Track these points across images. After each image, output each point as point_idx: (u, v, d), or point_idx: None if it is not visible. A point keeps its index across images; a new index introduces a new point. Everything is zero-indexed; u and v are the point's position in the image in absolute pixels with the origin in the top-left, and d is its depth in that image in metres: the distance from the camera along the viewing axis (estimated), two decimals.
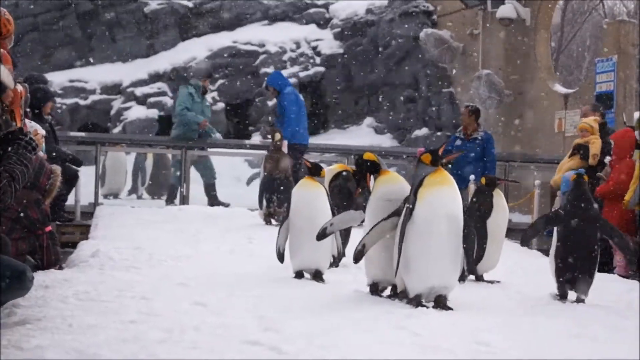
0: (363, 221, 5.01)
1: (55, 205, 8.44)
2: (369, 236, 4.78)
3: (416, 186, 4.59)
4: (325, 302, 4.72)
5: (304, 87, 17.81)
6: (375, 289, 4.98)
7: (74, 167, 9.38)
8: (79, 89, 18.19)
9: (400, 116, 17.64)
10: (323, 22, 19.23)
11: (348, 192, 6.69)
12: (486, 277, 6.27)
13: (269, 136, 10.00)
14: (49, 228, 6.12)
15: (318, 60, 18.57)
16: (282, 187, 8.85)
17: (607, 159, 8.57)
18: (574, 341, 3.90)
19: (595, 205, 5.33)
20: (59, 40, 18.68)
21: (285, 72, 15.66)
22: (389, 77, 17.82)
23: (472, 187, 9.10)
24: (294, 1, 19.39)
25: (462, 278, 4.89)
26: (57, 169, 6.31)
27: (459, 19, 16.67)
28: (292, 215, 5.73)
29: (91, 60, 18.75)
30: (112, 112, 18.14)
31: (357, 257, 4.83)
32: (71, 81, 18.18)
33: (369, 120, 18.22)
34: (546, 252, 6.12)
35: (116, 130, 17.61)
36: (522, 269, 6.94)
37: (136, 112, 17.91)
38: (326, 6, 19.42)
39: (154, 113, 17.88)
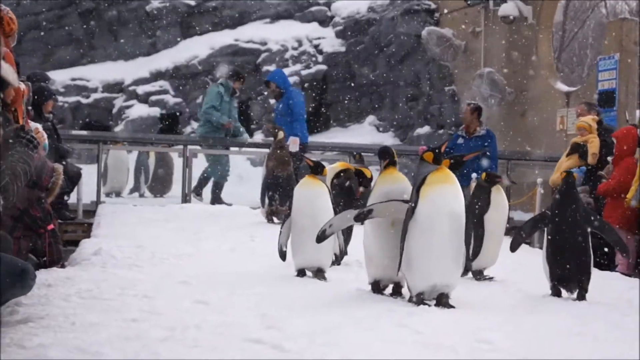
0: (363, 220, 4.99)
1: (58, 203, 8.44)
2: (380, 205, 4.75)
3: (418, 184, 4.58)
4: (327, 300, 4.72)
5: (305, 85, 17.81)
6: (377, 287, 4.98)
7: (67, 160, 9.28)
8: (81, 88, 18.21)
9: (402, 114, 17.64)
10: (325, 20, 19.23)
11: (350, 191, 6.70)
12: (486, 273, 6.28)
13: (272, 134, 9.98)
14: (51, 226, 6.11)
15: (320, 58, 18.57)
16: (284, 186, 8.86)
17: (609, 158, 8.57)
18: (576, 339, 3.90)
19: (584, 202, 5.32)
20: (61, 39, 18.70)
21: (287, 70, 15.66)
22: (390, 75, 17.82)
23: (474, 186, 9.09)
24: None
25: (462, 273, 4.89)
26: (59, 167, 6.31)
27: (461, 17, 16.66)
28: (294, 213, 5.73)
29: (93, 58, 18.76)
30: (114, 110, 18.16)
31: (359, 217, 4.78)
32: (73, 79, 18.21)
33: (370, 118, 18.22)
34: None
35: (118, 128, 17.63)
36: (524, 267, 6.93)
37: (138, 110, 17.93)
38: (328, 4, 19.43)
39: (155, 111, 17.91)
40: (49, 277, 5.21)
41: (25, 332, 3.65)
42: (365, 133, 17.50)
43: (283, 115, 10.57)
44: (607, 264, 7.64)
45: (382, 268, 4.90)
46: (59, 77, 17.41)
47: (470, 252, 6.05)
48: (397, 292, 4.92)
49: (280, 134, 9.30)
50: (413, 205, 4.54)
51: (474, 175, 9.59)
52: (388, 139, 17.17)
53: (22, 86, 5.61)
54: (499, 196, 6.35)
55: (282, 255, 5.84)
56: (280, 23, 19.27)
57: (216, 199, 11.34)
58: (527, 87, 15.12)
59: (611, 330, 4.15)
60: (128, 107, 18.05)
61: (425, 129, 17.06)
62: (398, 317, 4.12)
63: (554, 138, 13.98)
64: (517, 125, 15.07)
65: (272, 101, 15.51)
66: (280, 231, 5.86)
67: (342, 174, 6.78)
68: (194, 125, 17.97)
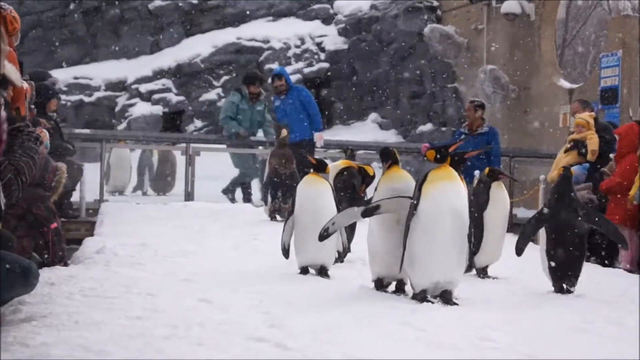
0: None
1: (62, 202, 8.44)
2: (388, 201, 4.75)
3: (420, 181, 4.58)
4: (330, 298, 4.72)
5: (308, 83, 17.81)
6: (380, 284, 4.98)
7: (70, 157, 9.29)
8: (84, 86, 18.25)
9: (405, 112, 17.64)
10: (327, 18, 19.24)
11: (352, 188, 6.69)
12: (490, 273, 6.27)
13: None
14: (54, 225, 6.12)
15: (322, 56, 18.58)
16: (287, 183, 8.86)
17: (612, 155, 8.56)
18: (579, 336, 3.89)
19: (586, 199, 5.34)
20: (63, 38, 18.73)
21: (289, 68, 15.68)
22: (393, 72, 17.82)
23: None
24: None
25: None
26: (63, 166, 6.33)
27: (463, 15, 16.65)
28: (297, 211, 5.73)
29: (96, 57, 18.78)
30: (117, 108, 18.18)
31: (367, 213, 4.78)
32: (76, 78, 18.24)
33: (373, 115, 18.22)
34: None
35: (121, 127, 17.65)
36: (527, 264, 6.92)
37: (141, 108, 17.96)
38: (330, 2, 19.43)
39: (158, 109, 17.93)
40: (52, 275, 5.21)
41: (29, 330, 3.65)
42: (368, 131, 17.50)
43: (293, 112, 10.52)
44: (610, 261, 7.63)
45: (386, 265, 4.88)
46: (62, 76, 17.39)
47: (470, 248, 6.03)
48: (400, 289, 4.92)
49: (284, 132, 9.29)
50: (415, 202, 4.53)
51: (477, 172, 9.60)
52: (391, 137, 17.18)
53: (25, 85, 5.62)
54: (499, 192, 6.29)
55: (285, 253, 5.84)
56: (282, 21, 19.29)
57: (228, 193, 11.56)
58: (530, 84, 15.10)
59: (614, 327, 4.14)
60: (131, 105, 18.07)
61: (428, 126, 17.06)
62: (401, 315, 4.12)
63: (557, 135, 13.96)
64: (520, 122, 15.06)
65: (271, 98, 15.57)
66: (283, 229, 5.86)
67: (344, 172, 6.78)
68: (197, 123, 18.01)
